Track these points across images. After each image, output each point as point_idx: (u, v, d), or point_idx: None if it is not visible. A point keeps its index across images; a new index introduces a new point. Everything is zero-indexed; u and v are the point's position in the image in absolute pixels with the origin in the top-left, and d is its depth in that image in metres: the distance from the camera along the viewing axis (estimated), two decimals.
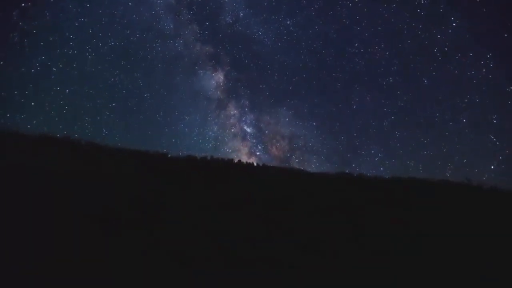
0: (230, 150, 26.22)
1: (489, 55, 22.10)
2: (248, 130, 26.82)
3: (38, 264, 3.71)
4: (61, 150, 8.51)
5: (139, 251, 4.57)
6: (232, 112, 27.03)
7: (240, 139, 26.74)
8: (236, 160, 12.26)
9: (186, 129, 25.69)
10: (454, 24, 23.07)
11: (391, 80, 25.85)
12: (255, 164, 13.36)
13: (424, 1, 23.54)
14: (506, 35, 20.69)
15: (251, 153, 26.49)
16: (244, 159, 24.89)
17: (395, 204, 8.86)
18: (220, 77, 27.31)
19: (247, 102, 27.71)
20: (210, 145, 26.07)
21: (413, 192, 10.00)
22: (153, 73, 25.91)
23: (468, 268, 5.67)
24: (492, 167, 22.03)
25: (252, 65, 28.20)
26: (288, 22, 27.29)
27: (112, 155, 9.28)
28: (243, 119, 27.04)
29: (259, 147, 26.76)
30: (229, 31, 27.41)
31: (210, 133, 26.39)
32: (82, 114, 22.42)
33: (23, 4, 19.63)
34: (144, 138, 24.76)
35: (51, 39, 21.35)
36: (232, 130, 26.78)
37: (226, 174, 9.31)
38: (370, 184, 11.07)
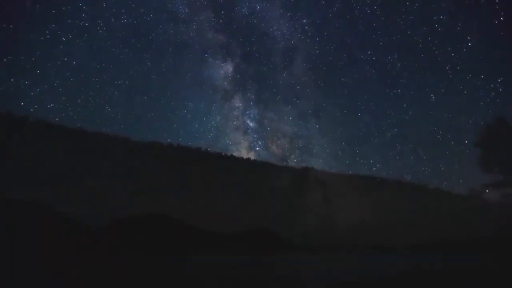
0: (230, 142, 26.09)
1: (500, 79, 22.06)
2: (251, 124, 26.63)
3: (37, 265, 3.58)
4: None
5: (136, 250, 4.46)
6: (236, 104, 26.77)
7: (242, 133, 26.66)
8: (235, 154, 12.14)
9: (189, 116, 25.36)
10: (469, 44, 22.94)
11: (399, 92, 25.72)
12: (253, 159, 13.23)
13: (443, 17, 23.31)
14: None
15: (250, 148, 26.36)
16: (243, 153, 24.81)
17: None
18: (229, 67, 26.99)
19: (253, 96, 27.46)
20: (211, 134, 25.79)
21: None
22: (163, 55, 25.32)
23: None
24: (487, 191, 22.46)
25: (262, 59, 27.80)
26: (304, 21, 26.94)
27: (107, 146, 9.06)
28: (247, 112, 26.82)
29: (260, 143, 26.70)
30: (244, 22, 26.80)
31: (213, 122, 26.09)
32: (87, 88, 21.78)
33: None
34: (146, 120, 24.35)
35: (63, 8, 20.54)
36: (235, 123, 26.57)
37: (224, 170, 9.19)
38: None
